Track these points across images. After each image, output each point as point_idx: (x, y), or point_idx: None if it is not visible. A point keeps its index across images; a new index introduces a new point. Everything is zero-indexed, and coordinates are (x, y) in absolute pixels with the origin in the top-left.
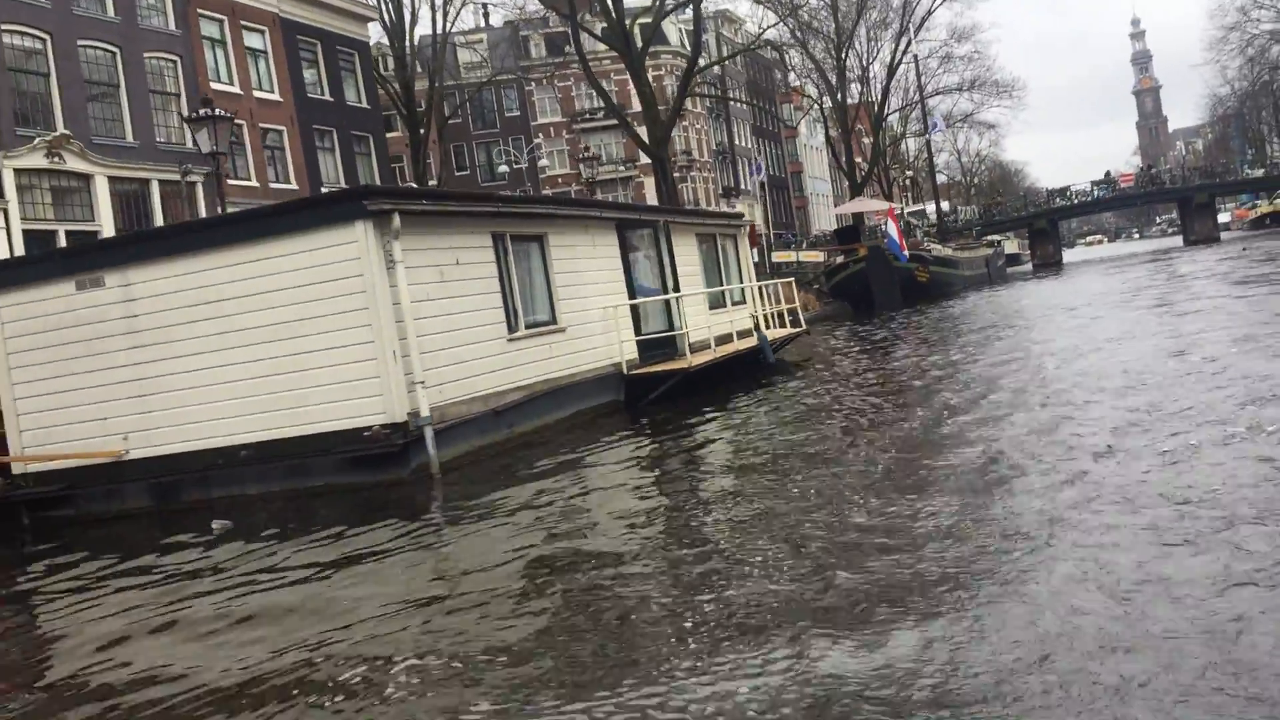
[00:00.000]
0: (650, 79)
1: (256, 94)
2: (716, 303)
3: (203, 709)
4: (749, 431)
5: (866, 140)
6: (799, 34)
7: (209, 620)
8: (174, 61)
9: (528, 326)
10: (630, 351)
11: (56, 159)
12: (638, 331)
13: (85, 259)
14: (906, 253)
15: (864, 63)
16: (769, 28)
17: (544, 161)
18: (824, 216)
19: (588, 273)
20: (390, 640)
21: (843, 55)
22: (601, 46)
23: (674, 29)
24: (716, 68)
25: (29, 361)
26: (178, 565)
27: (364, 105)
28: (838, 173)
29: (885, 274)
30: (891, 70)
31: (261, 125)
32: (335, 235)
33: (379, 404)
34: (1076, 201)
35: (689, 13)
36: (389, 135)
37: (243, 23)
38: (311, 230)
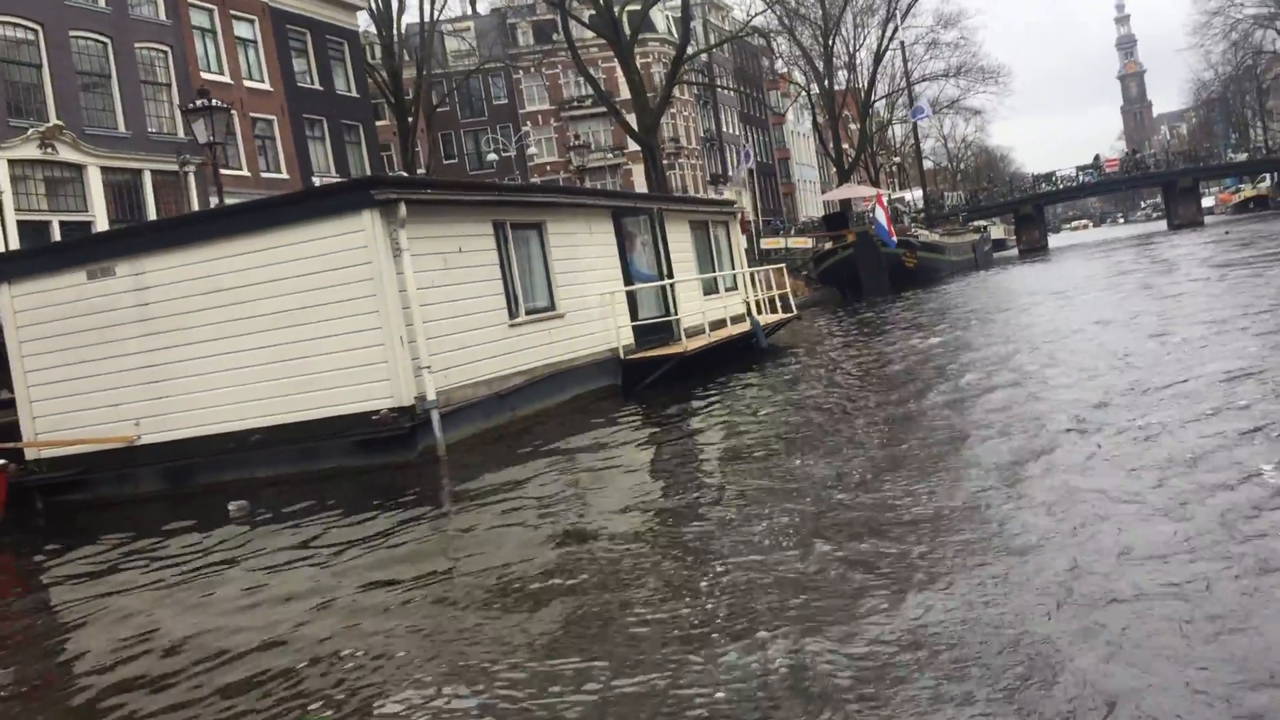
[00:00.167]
0: (638, 66)
1: (247, 83)
2: (710, 289)
3: (227, 684)
4: (743, 414)
5: (854, 127)
6: (786, 21)
7: (235, 598)
8: (165, 51)
9: (528, 312)
10: (626, 337)
11: (49, 150)
12: (633, 317)
13: (96, 249)
14: (895, 238)
15: (851, 49)
16: (757, 15)
17: (532, 149)
18: (811, 203)
19: (585, 260)
20: (403, 613)
21: (830, 42)
22: (589, 34)
23: (661, 16)
24: (704, 55)
25: (41, 350)
26: (200, 545)
27: (354, 94)
28: (825, 159)
29: (873, 260)
30: (878, 57)
31: (252, 115)
32: (343, 224)
33: (387, 388)
34: (1062, 187)
35: (677, 0)
36: (377, 124)
37: (232, 12)
38: (320, 219)
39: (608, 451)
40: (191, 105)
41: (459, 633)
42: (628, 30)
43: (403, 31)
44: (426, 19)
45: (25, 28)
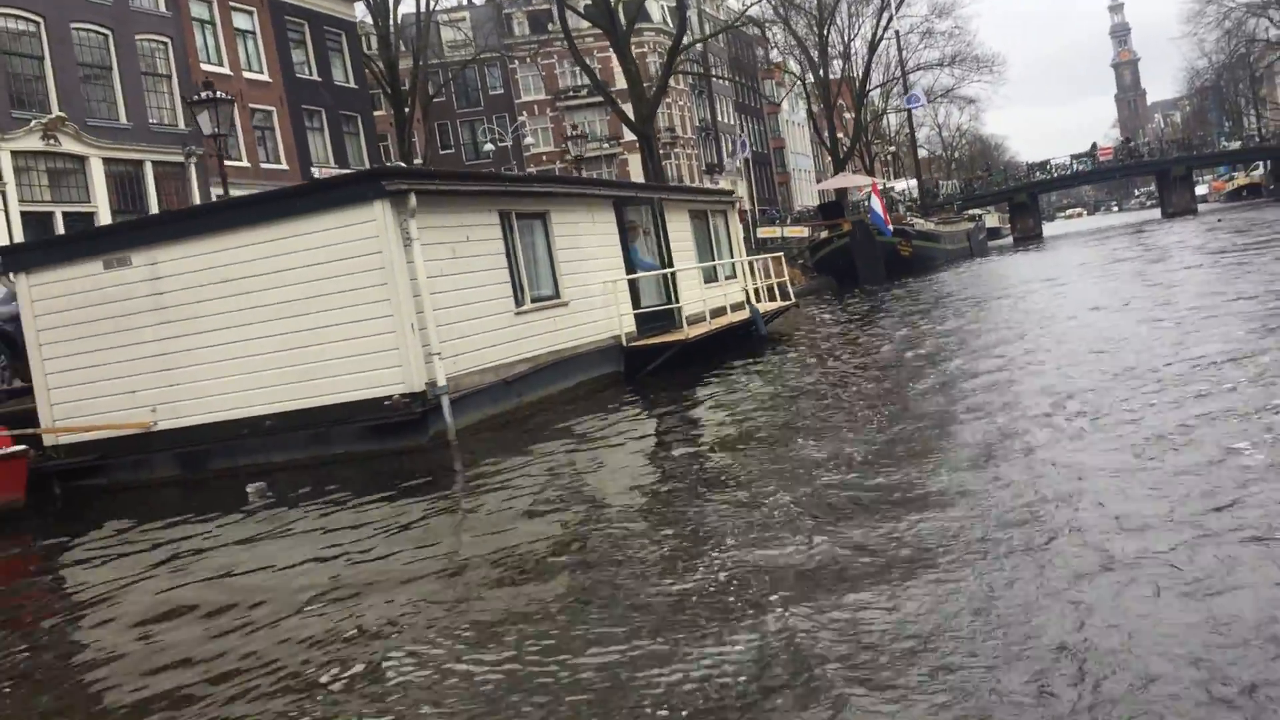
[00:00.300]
0: (634, 56)
1: (246, 75)
2: (709, 277)
3: (250, 663)
4: (744, 399)
5: (848, 116)
6: (781, 10)
7: (254, 572)
8: (165, 43)
9: (533, 300)
10: (629, 324)
11: (52, 141)
12: (635, 305)
13: (112, 239)
14: (890, 227)
15: (846, 38)
16: (752, 4)
17: (529, 140)
18: (806, 192)
19: (588, 248)
20: (421, 587)
21: (825, 31)
22: (585, 24)
23: (657, 6)
24: (699, 44)
25: (58, 338)
26: (219, 526)
27: (352, 85)
28: (820, 148)
29: (869, 248)
30: (873, 46)
31: (251, 106)
32: (355, 214)
33: (398, 374)
34: (1056, 175)
35: None
36: (374, 114)
37: (231, 3)
38: (332, 210)
39: (612, 436)
40: (197, 97)
41: (473, 603)
42: (624, 20)
43: (399, 22)
44: (422, 9)
45: (27, 20)
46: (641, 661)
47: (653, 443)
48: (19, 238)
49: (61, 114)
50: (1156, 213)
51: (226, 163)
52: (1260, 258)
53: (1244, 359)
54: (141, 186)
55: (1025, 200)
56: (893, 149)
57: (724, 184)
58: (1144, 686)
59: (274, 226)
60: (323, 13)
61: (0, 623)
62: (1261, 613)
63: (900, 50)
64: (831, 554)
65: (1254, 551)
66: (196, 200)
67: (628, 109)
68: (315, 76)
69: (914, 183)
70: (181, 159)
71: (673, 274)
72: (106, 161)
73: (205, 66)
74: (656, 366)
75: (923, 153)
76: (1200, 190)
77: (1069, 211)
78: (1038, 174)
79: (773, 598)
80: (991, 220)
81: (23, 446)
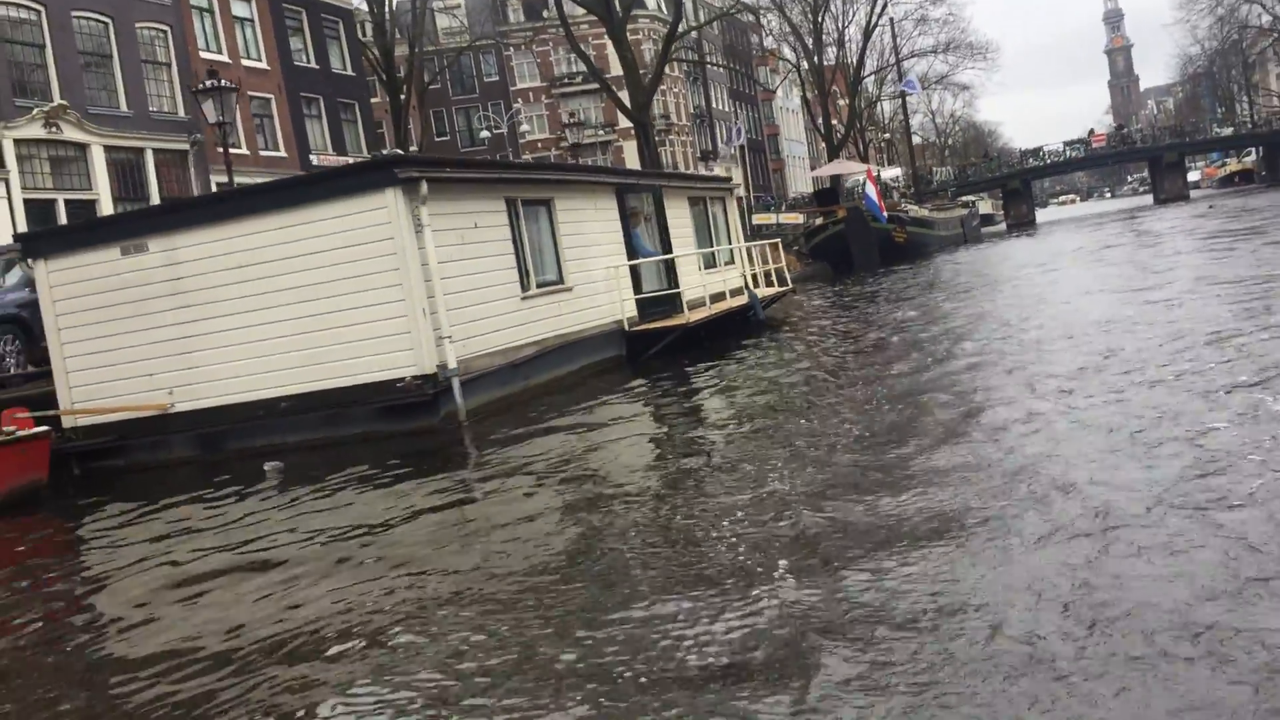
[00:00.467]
0: (629, 43)
1: (244, 62)
2: (709, 263)
3: (270, 641)
4: (743, 381)
5: (843, 103)
6: None
7: (274, 549)
8: (164, 31)
9: (538, 285)
10: (630, 309)
11: (54, 129)
12: (637, 291)
13: (129, 226)
14: (885, 214)
15: (840, 25)
16: None
17: (524, 127)
18: (800, 179)
19: (590, 235)
20: (439, 558)
21: (819, 18)
22: (580, 10)
23: None
24: (694, 31)
25: (76, 323)
26: (239, 503)
27: (349, 72)
28: (814, 135)
29: (864, 235)
30: (867, 33)
31: (250, 94)
32: (368, 201)
33: (410, 357)
34: (1049, 162)
35: None
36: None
37: None
38: (345, 197)
39: (617, 416)
40: (202, 85)
41: (487, 573)
42: (619, 7)
43: (394, 8)
44: None
45: (28, 8)
46: (650, 625)
47: (655, 423)
48: (22, 225)
49: (63, 102)
50: (1149, 199)
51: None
52: (1249, 243)
53: (1226, 341)
54: (142, 174)
55: (1018, 187)
56: (887, 136)
57: (719, 171)
58: (1127, 622)
59: (289, 213)
60: (320, 0)
61: (35, 589)
62: (1227, 568)
63: (895, 37)
64: (829, 524)
65: (1223, 517)
66: (196, 187)
67: (623, 96)
68: (313, 64)
69: (897, 171)
70: (183, 147)
71: (673, 260)
72: (108, 149)
73: (204, 54)
74: (658, 350)
75: (916, 139)
76: (1193, 176)
77: (1062, 198)
78: (1031, 161)
79: (781, 563)
80: (985, 207)
81: (45, 428)
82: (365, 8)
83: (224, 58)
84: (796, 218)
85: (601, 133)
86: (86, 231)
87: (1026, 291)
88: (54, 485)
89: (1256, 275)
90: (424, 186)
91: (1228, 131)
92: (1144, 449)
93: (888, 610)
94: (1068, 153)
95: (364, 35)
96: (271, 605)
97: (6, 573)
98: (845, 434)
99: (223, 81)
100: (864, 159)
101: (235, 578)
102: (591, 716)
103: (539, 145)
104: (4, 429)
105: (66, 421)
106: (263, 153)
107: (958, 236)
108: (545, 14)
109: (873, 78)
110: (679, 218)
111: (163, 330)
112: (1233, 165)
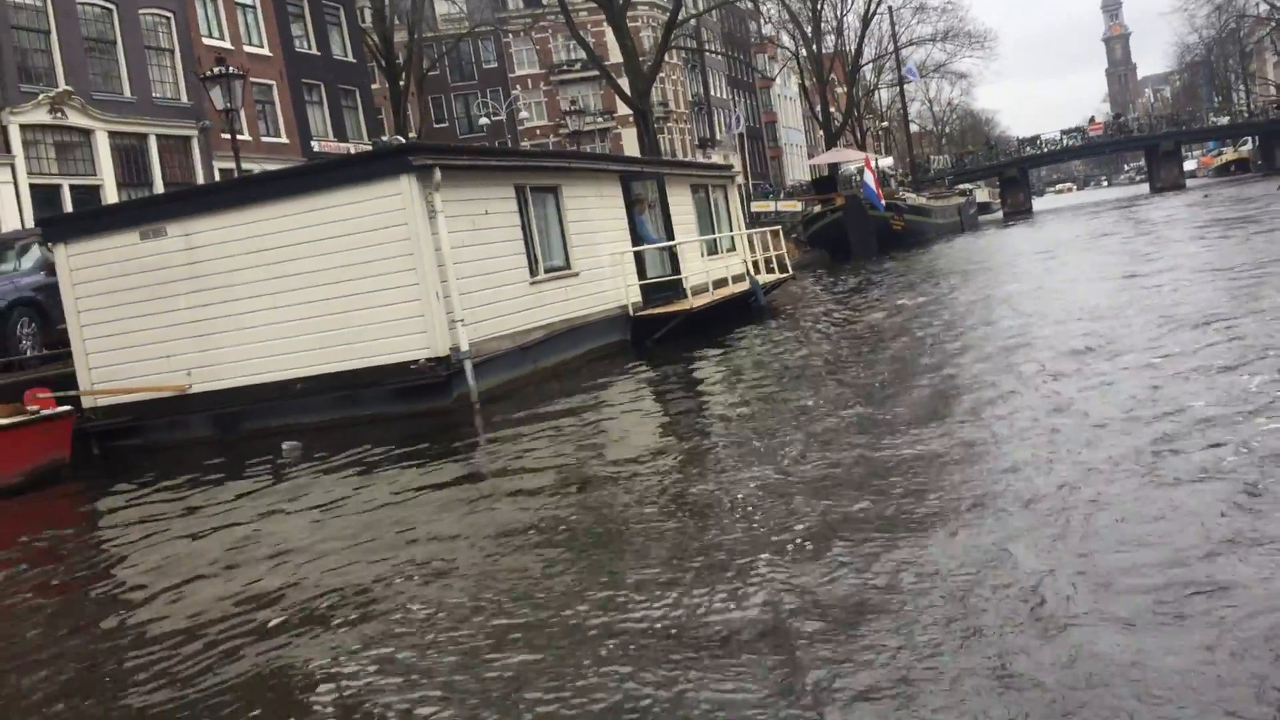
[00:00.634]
0: (629, 30)
1: (246, 49)
2: (711, 249)
3: (290, 612)
4: (745, 365)
5: (841, 91)
6: None
7: (290, 524)
8: (167, 17)
9: (547, 271)
10: (635, 295)
11: (59, 114)
12: (641, 276)
13: (148, 211)
14: (883, 202)
15: (839, 13)
16: None
17: (523, 114)
18: (798, 167)
19: (596, 221)
20: (455, 538)
21: (818, 6)
22: None
23: None
24: (693, 19)
25: (96, 305)
26: (257, 480)
27: (350, 59)
28: (812, 123)
29: (862, 223)
30: (866, 21)
31: (252, 80)
32: (382, 188)
33: (424, 340)
34: (1046, 150)
35: None
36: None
37: None
38: (360, 184)
39: (623, 399)
40: (210, 72)
41: (502, 548)
42: None
43: None
44: None
45: None
46: (650, 600)
47: (659, 404)
48: (28, 210)
49: (68, 88)
50: (1145, 188)
51: (229, 136)
52: (1242, 230)
53: (1215, 325)
54: (146, 159)
55: (1015, 175)
56: (885, 124)
57: (717, 158)
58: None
59: (305, 199)
60: None
61: (67, 560)
62: (1201, 534)
63: (893, 25)
64: (827, 507)
65: (1203, 487)
66: (200, 173)
67: (623, 83)
68: (314, 50)
69: (890, 160)
70: (187, 133)
71: (676, 246)
72: (112, 135)
73: (207, 40)
74: (662, 335)
75: (914, 127)
76: (1189, 165)
77: (1059, 186)
78: (1028, 149)
79: (780, 550)
80: (982, 195)
81: (68, 407)
82: None
83: (226, 44)
84: (795, 205)
85: (600, 120)
86: (106, 216)
87: (1024, 278)
88: (75, 463)
89: (1247, 263)
90: (437, 174)
91: (1224, 121)
92: (1128, 426)
93: (878, 589)
94: (1065, 141)
95: (364, 21)
96: (287, 574)
97: (40, 546)
98: (843, 416)
99: (231, 69)
100: (861, 147)
101: (255, 551)
102: (600, 684)
103: (538, 132)
104: (28, 408)
105: (86, 402)
106: (264, 139)
107: (955, 224)
108: (544, 1)
109: (871, 66)
110: (682, 205)
111: (181, 313)
112: (1229, 154)
